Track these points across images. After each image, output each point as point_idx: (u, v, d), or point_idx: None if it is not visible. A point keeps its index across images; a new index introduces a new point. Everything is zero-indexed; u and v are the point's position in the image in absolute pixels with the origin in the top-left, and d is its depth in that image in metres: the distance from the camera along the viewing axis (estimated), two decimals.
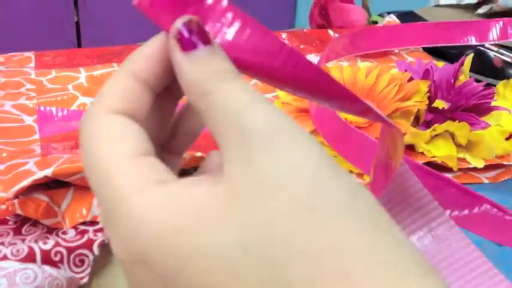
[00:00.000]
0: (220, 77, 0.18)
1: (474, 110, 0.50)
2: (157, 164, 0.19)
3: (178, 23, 0.19)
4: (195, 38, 0.19)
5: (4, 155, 0.44)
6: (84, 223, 0.38)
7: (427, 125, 0.49)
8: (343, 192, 0.17)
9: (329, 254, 0.15)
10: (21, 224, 0.38)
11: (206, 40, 0.19)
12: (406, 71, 0.54)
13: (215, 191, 0.17)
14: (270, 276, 0.16)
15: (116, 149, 0.19)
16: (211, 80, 0.18)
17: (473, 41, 0.62)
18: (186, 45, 0.19)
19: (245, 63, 0.20)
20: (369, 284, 0.15)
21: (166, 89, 0.21)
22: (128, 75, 0.20)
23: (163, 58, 0.20)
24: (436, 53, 0.68)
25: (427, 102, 0.50)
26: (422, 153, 0.47)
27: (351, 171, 0.45)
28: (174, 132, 0.23)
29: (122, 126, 0.19)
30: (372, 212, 0.17)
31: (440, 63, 0.57)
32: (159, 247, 0.17)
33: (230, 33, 0.20)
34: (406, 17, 0.74)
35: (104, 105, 0.20)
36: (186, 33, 0.19)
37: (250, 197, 0.16)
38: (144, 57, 0.20)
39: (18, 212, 0.36)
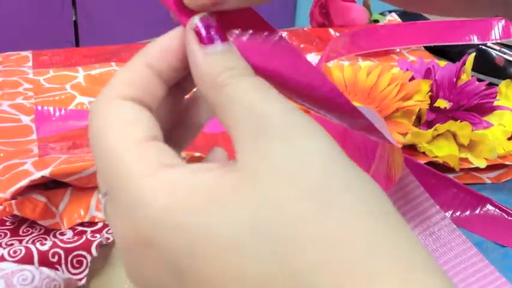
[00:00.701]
0: (237, 72, 0.19)
1: (476, 109, 0.50)
2: (166, 148, 0.19)
3: (197, 18, 0.19)
4: (214, 33, 0.19)
5: (1, 155, 0.43)
6: (82, 224, 0.38)
7: (429, 124, 0.49)
8: (353, 184, 0.17)
9: (337, 244, 0.15)
10: (19, 224, 0.38)
11: (223, 37, 0.19)
12: (407, 70, 0.54)
13: (226, 177, 0.17)
14: (279, 258, 0.16)
15: (126, 133, 0.19)
16: (228, 74, 0.19)
17: (475, 39, 0.62)
18: (204, 39, 0.19)
19: (255, 67, 0.20)
20: (377, 278, 0.15)
21: (178, 84, 0.21)
22: (142, 65, 0.20)
23: (179, 51, 0.20)
24: (437, 52, 0.68)
25: (429, 101, 0.49)
26: (424, 153, 0.47)
27: None
28: (178, 124, 0.23)
29: (133, 111, 0.19)
30: (381, 204, 0.17)
31: (442, 62, 0.56)
32: (167, 231, 0.17)
33: (243, 36, 0.20)
34: (408, 15, 0.74)
35: (116, 91, 0.20)
36: (203, 28, 0.19)
37: (263, 182, 0.17)
38: (160, 49, 0.20)
39: (16, 212, 0.36)
